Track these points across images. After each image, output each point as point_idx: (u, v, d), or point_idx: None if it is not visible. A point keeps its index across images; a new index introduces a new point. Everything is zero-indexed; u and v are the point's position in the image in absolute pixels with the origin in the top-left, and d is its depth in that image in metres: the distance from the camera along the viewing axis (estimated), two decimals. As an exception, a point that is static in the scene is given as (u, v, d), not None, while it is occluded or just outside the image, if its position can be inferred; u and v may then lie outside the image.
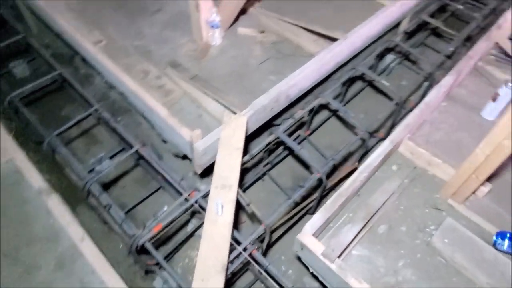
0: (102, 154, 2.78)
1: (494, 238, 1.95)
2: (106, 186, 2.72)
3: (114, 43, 2.84)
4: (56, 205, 1.98)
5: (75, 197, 2.58)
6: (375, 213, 2.00)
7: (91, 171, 2.48)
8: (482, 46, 2.64)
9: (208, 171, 2.35)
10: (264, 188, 2.84)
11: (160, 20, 3.08)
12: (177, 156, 2.62)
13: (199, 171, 2.29)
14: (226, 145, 2.04)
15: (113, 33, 2.92)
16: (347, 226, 1.90)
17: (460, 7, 3.08)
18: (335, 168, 2.35)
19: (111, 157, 2.75)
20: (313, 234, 1.85)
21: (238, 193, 1.92)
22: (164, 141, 2.66)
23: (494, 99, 2.38)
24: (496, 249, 1.93)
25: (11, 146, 2.23)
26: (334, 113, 2.97)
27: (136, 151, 2.22)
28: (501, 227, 2.00)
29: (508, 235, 1.92)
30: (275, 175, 2.84)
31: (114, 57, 2.67)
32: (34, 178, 2.09)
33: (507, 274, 1.84)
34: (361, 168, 2.06)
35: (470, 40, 3.09)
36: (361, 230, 1.92)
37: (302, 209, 2.35)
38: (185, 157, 2.61)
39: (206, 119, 2.49)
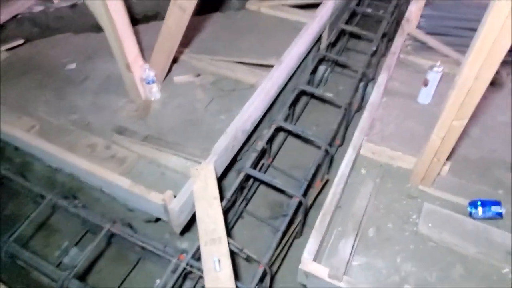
0: (66, 243, 2.56)
1: (468, 209, 2.10)
2: (81, 277, 2.49)
3: (49, 124, 2.67)
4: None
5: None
6: (361, 220, 2.05)
7: (59, 265, 2.27)
8: (399, 40, 2.90)
9: (185, 229, 2.27)
10: (245, 226, 2.80)
11: (90, 89, 2.96)
12: (149, 221, 2.50)
13: (179, 231, 2.21)
14: (202, 198, 1.99)
15: (44, 114, 2.75)
16: (342, 241, 1.93)
17: (368, 10, 3.36)
18: (309, 187, 2.38)
19: (77, 244, 2.55)
20: (313, 260, 1.85)
21: (228, 242, 1.87)
22: (130, 210, 2.53)
23: (425, 84, 2.60)
24: (473, 218, 2.07)
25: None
26: (289, 134, 3.04)
27: (107, 231, 2.08)
28: (470, 197, 2.15)
29: (479, 202, 2.07)
30: (252, 209, 2.82)
31: (53, 139, 2.52)
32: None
33: (490, 239, 1.98)
34: (336, 180, 2.11)
35: (385, 36, 3.39)
36: (354, 241, 1.96)
37: (290, 235, 2.35)
38: (157, 220, 2.51)
39: (169, 177, 2.41)
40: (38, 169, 2.82)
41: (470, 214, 2.09)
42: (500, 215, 2.03)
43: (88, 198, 2.68)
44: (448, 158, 2.18)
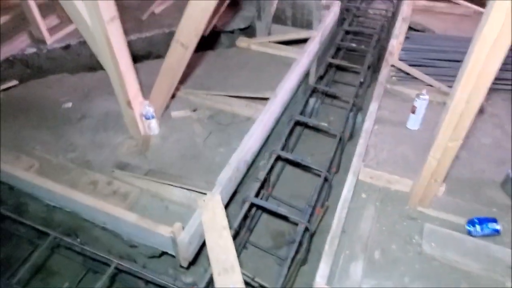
0: (66, 284, 2.48)
1: (467, 227, 2.19)
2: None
3: (48, 163, 2.65)
4: None
5: None
6: (367, 242, 2.11)
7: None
8: (385, 71, 3.09)
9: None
10: (249, 256, 2.79)
11: (88, 126, 2.98)
12: (153, 256, 2.47)
13: (186, 264, 2.19)
14: (212, 228, 2.00)
15: (42, 153, 2.73)
16: (352, 264, 1.97)
17: (353, 44, 3.59)
18: (312, 213, 2.43)
19: (78, 284, 2.47)
20: (326, 284, 1.87)
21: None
22: (133, 246, 2.50)
23: (413, 112, 2.77)
24: (472, 236, 2.16)
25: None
26: (287, 163, 3.12)
27: (115, 268, 2.04)
28: (466, 215, 2.25)
29: (476, 220, 2.17)
30: (254, 239, 2.82)
31: (53, 177, 2.50)
32: None
33: (491, 255, 2.06)
34: (340, 205, 2.18)
35: (370, 68, 3.60)
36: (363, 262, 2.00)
37: (296, 263, 2.37)
38: (161, 255, 2.48)
39: (174, 210, 2.41)
40: (33, 209, 2.77)
41: (469, 232, 2.17)
42: (497, 231, 2.13)
43: (87, 237, 2.63)
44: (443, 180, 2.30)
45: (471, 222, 2.18)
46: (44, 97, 3.28)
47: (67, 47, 3.89)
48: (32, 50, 3.76)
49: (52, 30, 3.93)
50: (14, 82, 3.37)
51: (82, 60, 3.91)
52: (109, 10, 2.18)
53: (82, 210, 2.34)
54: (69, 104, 3.19)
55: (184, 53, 2.42)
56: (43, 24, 3.78)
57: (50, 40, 3.85)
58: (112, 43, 2.28)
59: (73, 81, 3.47)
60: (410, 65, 3.32)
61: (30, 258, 2.18)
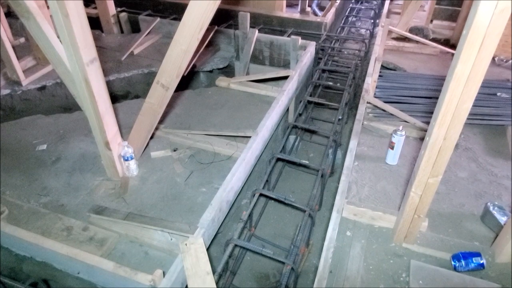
0: None
1: (452, 262, 2.18)
2: None
3: (19, 209, 2.51)
4: None
5: None
6: (355, 283, 2.06)
7: None
8: (361, 108, 3.17)
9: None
10: (233, 302, 2.67)
11: (63, 169, 2.88)
12: (131, 307, 2.32)
13: (167, 314, 2.06)
14: (195, 274, 1.91)
15: (13, 198, 2.60)
16: (341, 307, 1.91)
17: (330, 83, 3.70)
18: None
19: None
20: (315, 330, 1.79)
21: (225, 320, 1.78)
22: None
23: (392, 147, 2.82)
24: (458, 271, 2.15)
25: None
26: (268, 201, 3.08)
27: (90, 322, 1.90)
28: (451, 250, 2.25)
29: (461, 255, 2.17)
30: (238, 283, 2.71)
31: (24, 224, 2.37)
32: None
33: (478, 290, 2.05)
34: (326, 244, 2.14)
35: (347, 105, 3.69)
36: (352, 305, 1.95)
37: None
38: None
39: (154, 255, 2.30)
40: (1, 259, 2.58)
41: (455, 268, 2.16)
42: (482, 266, 2.13)
43: (59, 288, 2.46)
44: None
45: (456, 257, 2.18)
46: (17, 139, 3.17)
47: (42, 88, 3.84)
48: (6, 91, 3.69)
49: (27, 71, 3.89)
50: (-15, 125, 3.26)
51: (58, 101, 3.85)
52: (89, 52, 2.17)
53: (54, 259, 2.21)
54: (44, 146, 3.09)
55: (164, 94, 2.41)
56: (18, 66, 3.74)
57: (26, 81, 3.80)
58: (92, 85, 2.26)
59: (47, 122, 3.39)
60: (385, 102, 3.43)
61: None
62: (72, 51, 2.13)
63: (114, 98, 4.09)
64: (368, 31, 4.69)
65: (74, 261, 2.10)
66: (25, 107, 3.77)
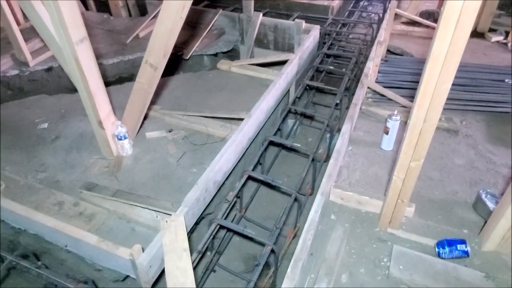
0: (26, 310, 2.39)
1: (436, 249, 2.14)
2: None
3: (15, 184, 2.62)
4: None
5: None
6: (333, 266, 2.05)
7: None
8: (359, 93, 3.11)
9: (155, 286, 2.19)
10: (219, 281, 2.71)
11: (61, 147, 2.96)
12: (117, 281, 2.40)
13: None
14: (172, 250, 1.95)
15: (11, 173, 2.71)
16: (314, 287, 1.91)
17: (331, 67, 3.63)
18: (280, 235, 2.38)
19: (38, 311, 2.38)
20: (286, 309, 1.80)
21: (198, 295, 1.81)
22: (97, 270, 2.43)
23: (386, 132, 2.76)
24: (442, 258, 2.11)
25: None
26: (261, 184, 3.08)
27: (72, 292, 1.97)
28: (437, 237, 2.21)
29: (446, 242, 2.12)
30: (225, 262, 2.75)
31: (19, 198, 2.47)
32: None
33: (460, 278, 2.00)
34: (306, 226, 2.13)
35: (347, 90, 3.62)
36: (327, 286, 1.94)
37: (264, 286, 2.30)
38: (125, 279, 2.41)
39: (141, 232, 2.36)
40: (1, 232, 2.70)
41: (439, 254, 2.12)
42: (466, 253, 2.08)
43: (53, 261, 2.56)
44: (413, 200, 2.27)
45: (441, 244, 2.13)
46: (21, 117, 3.28)
47: (49, 69, 3.93)
48: (14, 72, 3.80)
49: (35, 53, 3.99)
50: (-8, 103, 3.38)
51: (63, 82, 3.94)
52: (78, 31, 2.21)
53: (44, 232, 2.29)
54: (45, 125, 3.19)
55: (153, 73, 2.43)
56: (26, 47, 3.84)
57: (33, 62, 3.90)
58: (82, 64, 2.30)
59: (51, 102, 3.49)
60: (386, 87, 3.34)
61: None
62: (62, 30, 2.17)
63: (119, 80, 4.16)
64: (377, 15, 4.55)
65: (61, 234, 2.17)
66: (32, 87, 3.88)
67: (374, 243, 2.24)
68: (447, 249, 2.10)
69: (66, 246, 2.24)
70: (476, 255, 2.12)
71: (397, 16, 4.36)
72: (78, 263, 2.45)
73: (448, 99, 3.28)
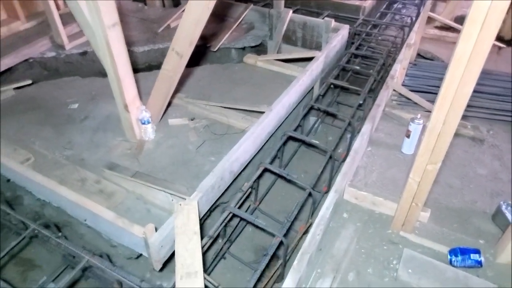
0: (44, 278, 2.52)
1: (449, 256, 2.09)
2: (54, 313, 2.43)
3: (43, 158, 2.76)
4: None
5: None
6: (341, 262, 2.05)
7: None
8: (384, 94, 3.07)
9: (165, 266, 2.26)
10: (229, 268, 2.76)
11: (89, 127, 3.10)
12: (130, 258, 2.49)
13: (159, 267, 2.19)
14: (183, 232, 2.01)
15: (40, 148, 2.86)
16: (319, 281, 1.92)
17: (357, 67, 3.60)
18: (291, 228, 2.39)
19: (54, 280, 2.51)
20: (290, 300, 1.82)
21: (204, 278, 1.86)
22: (113, 246, 2.53)
23: (408, 136, 2.72)
24: (454, 266, 2.06)
25: None
26: (277, 178, 3.10)
27: (87, 262, 2.07)
28: (450, 245, 2.16)
29: (459, 250, 2.07)
30: (236, 251, 2.79)
31: (45, 172, 2.60)
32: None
33: (470, 287, 1.95)
34: (316, 221, 2.14)
35: (372, 92, 3.58)
36: (332, 282, 1.95)
37: (271, 278, 2.32)
38: (139, 257, 2.49)
39: (155, 213, 2.44)
40: (27, 203, 2.86)
41: (451, 262, 2.08)
42: (479, 263, 2.03)
43: (72, 234, 2.68)
44: (429, 206, 2.24)
45: (453, 252, 2.09)
46: (53, 97, 3.44)
47: (84, 53, 4.09)
48: (52, 54, 3.98)
49: (71, 37, 4.15)
50: (28, 82, 3.56)
51: (96, 66, 4.08)
52: (110, 16, 2.30)
53: (67, 206, 2.41)
54: (75, 105, 3.33)
55: (179, 61, 2.50)
56: (63, 31, 4.01)
57: (69, 46, 4.07)
58: (112, 48, 2.39)
59: (83, 84, 3.64)
60: (413, 91, 3.28)
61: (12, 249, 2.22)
62: (95, 15, 2.27)
63: (148, 68, 4.28)
64: (410, 18, 4.45)
65: (82, 209, 2.28)
66: (67, 69, 4.05)
67: (385, 244, 2.22)
68: (459, 257, 2.06)
69: (85, 220, 2.35)
70: (490, 266, 2.06)
71: (430, 20, 4.26)
72: (95, 238, 2.56)
73: (475, 107, 3.20)
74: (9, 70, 3.68)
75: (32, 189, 2.60)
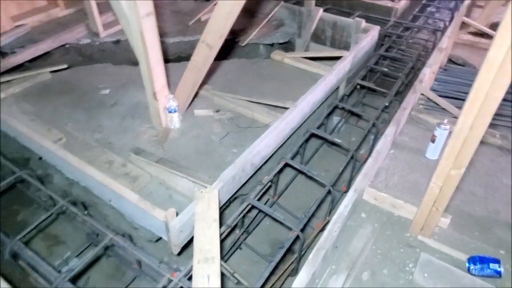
0: (68, 253, 2.64)
1: (467, 264, 2.07)
2: None
3: (74, 139, 2.88)
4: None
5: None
6: (356, 261, 2.06)
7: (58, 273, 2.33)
8: (411, 98, 3.03)
9: (183, 251, 2.32)
10: (244, 259, 2.81)
11: (118, 112, 3.20)
12: (150, 241, 2.57)
13: (177, 251, 2.26)
14: (202, 219, 2.06)
15: (72, 130, 2.98)
16: (333, 277, 1.94)
17: (385, 69, 3.56)
18: (308, 223, 2.41)
19: (78, 255, 2.62)
20: (302, 292, 1.85)
21: (221, 264, 1.91)
22: (135, 228, 2.61)
23: (433, 141, 2.68)
24: (471, 274, 2.04)
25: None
26: (298, 172, 3.12)
27: (110, 240, 2.16)
28: (470, 253, 2.13)
29: (478, 259, 2.04)
30: (252, 243, 2.84)
31: (75, 152, 2.70)
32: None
33: (488, 297, 1.93)
34: (334, 218, 2.15)
35: (398, 94, 3.54)
36: (346, 280, 1.96)
37: (285, 271, 2.35)
38: (158, 241, 2.57)
39: (177, 199, 2.51)
40: (56, 181, 2.99)
41: (469, 270, 2.05)
42: (498, 273, 1.99)
43: (97, 214, 2.79)
44: (450, 213, 2.22)
45: (472, 260, 2.06)
46: (86, 82, 3.58)
47: (117, 42, 4.22)
48: (87, 41, 4.13)
49: (106, 25, 4.29)
50: (63, 66, 3.71)
51: (128, 55, 4.19)
52: (145, 6, 2.37)
53: (94, 186, 2.51)
54: (107, 91, 3.45)
55: (208, 53, 2.55)
56: (99, 19, 4.15)
57: (104, 34, 4.20)
58: (146, 37, 2.47)
59: (114, 71, 3.76)
60: (441, 96, 3.23)
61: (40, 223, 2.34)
62: (131, 4, 2.35)
63: (177, 59, 4.37)
64: (443, 23, 4.36)
65: (107, 189, 2.37)
66: (100, 56, 4.19)
67: (402, 247, 2.22)
68: (478, 265, 2.03)
69: (110, 201, 2.44)
70: (509, 278, 2.02)
71: (464, 25, 4.15)
72: (118, 219, 2.65)
73: (505, 116, 3.12)
74: (46, 54, 3.85)
75: (62, 167, 2.72)
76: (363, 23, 4.00)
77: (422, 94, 3.27)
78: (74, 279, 2.11)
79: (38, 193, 2.97)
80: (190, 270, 1.96)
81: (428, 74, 3.29)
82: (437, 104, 3.18)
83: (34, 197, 2.98)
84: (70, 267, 2.32)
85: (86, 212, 2.47)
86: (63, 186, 2.97)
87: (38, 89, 3.42)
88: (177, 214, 2.14)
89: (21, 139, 2.84)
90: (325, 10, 4.35)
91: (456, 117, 3.04)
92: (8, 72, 3.53)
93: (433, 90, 3.37)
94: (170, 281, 1.96)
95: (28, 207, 3.15)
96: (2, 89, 3.30)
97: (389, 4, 4.63)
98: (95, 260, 2.65)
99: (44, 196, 2.80)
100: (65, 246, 2.87)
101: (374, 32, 3.93)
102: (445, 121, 2.61)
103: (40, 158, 2.89)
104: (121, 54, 4.26)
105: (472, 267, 2.04)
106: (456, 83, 3.52)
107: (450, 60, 3.95)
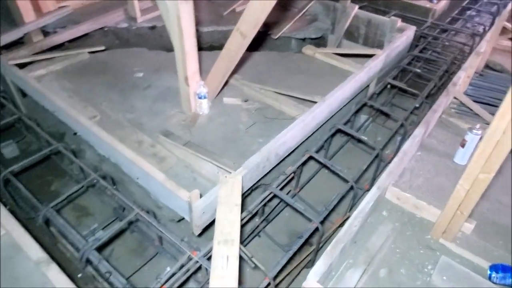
0: (95, 225, 2.76)
1: (489, 271, 2.03)
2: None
3: (108, 118, 3.00)
4: (57, 275, 1.92)
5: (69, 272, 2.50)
6: (374, 257, 2.06)
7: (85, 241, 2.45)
8: (443, 100, 2.98)
9: (203, 233, 2.39)
10: (262, 247, 2.86)
11: (150, 95, 3.30)
12: (172, 220, 2.65)
13: (198, 232, 2.32)
14: (225, 203, 2.12)
15: (106, 108, 3.10)
16: (350, 270, 1.95)
17: (418, 70, 3.51)
18: (328, 216, 2.43)
19: (104, 228, 2.74)
20: (317, 281, 1.87)
21: (240, 248, 1.96)
22: (159, 207, 2.70)
23: (463, 146, 2.63)
24: (492, 282, 2.01)
25: (7, 219, 2.19)
26: (322, 166, 3.13)
27: (135, 215, 2.25)
28: (492, 260, 2.10)
29: (501, 267, 2.01)
30: (271, 232, 2.88)
31: (108, 130, 2.80)
32: (33, 250, 2.04)
33: (507, 306, 1.90)
34: (355, 214, 2.16)
35: (430, 97, 3.47)
36: (363, 274, 1.97)
37: (301, 262, 2.38)
38: (180, 221, 2.65)
39: (201, 182, 2.58)
40: (88, 157, 3.12)
41: (490, 277, 2.02)
42: (521, 283, 1.96)
43: (124, 191, 2.89)
44: (475, 219, 2.18)
45: (495, 268, 2.03)
46: (122, 64, 3.70)
47: (153, 27, 4.34)
48: (124, 25, 4.26)
49: (144, 11, 4.41)
50: (102, 47, 3.85)
51: (163, 41, 4.31)
52: (184, -8, 2.44)
53: (123, 163, 2.61)
54: (141, 74, 3.56)
55: (242, 41, 2.59)
56: (137, 5, 4.27)
57: (141, 19, 4.32)
58: (182, 22, 2.53)
59: (149, 56, 3.87)
60: (475, 101, 3.15)
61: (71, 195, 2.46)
62: (170, -13, 2.41)
63: (210, 48, 4.44)
64: (483, 27, 4.23)
65: (136, 167, 2.46)
66: (136, 40, 4.32)
67: (422, 249, 2.20)
68: (500, 274, 1.99)
69: (137, 179, 2.53)
70: (531, 289, 1.98)
71: (505, 30, 4.02)
72: (143, 197, 2.75)
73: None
74: (86, 35, 4.00)
75: (94, 144, 2.84)
76: (399, 22, 3.93)
77: (455, 98, 3.20)
78: (99, 249, 2.21)
79: (71, 166, 3.12)
80: (210, 250, 2.02)
81: (463, 78, 3.21)
82: (470, 109, 3.10)
83: (67, 169, 3.13)
84: (96, 237, 2.44)
85: (114, 187, 2.58)
86: (94, 162, 3.10)
87: (77, 68, 3.57)
88: (200, 196, 2.21)
89: (59, 114, 2.98)
90: (360, 8, 4.30)
91: (488, 123, 2.96)
92: (50, 50, 3.70)
93: (466, 94, 3.30)
94: (189, 259, 2.03)
95: (61, 179, 3.31)
96: (44, 66, 3.47)
97: (428, 4, 4.53)
98: (119, 233, 2.75)
99: (76, 169, 2.93)
100: (92, 218, 3.01)
101: (410, 32, 3.86)
102: (477, 126, 2.56)
103: (75, 134, 3.02)
104: (156, 39, 4.38)
105: (494, 275, 2.01)
106: (491, 89, 3.42)
107: (487, 66, 3.84)
